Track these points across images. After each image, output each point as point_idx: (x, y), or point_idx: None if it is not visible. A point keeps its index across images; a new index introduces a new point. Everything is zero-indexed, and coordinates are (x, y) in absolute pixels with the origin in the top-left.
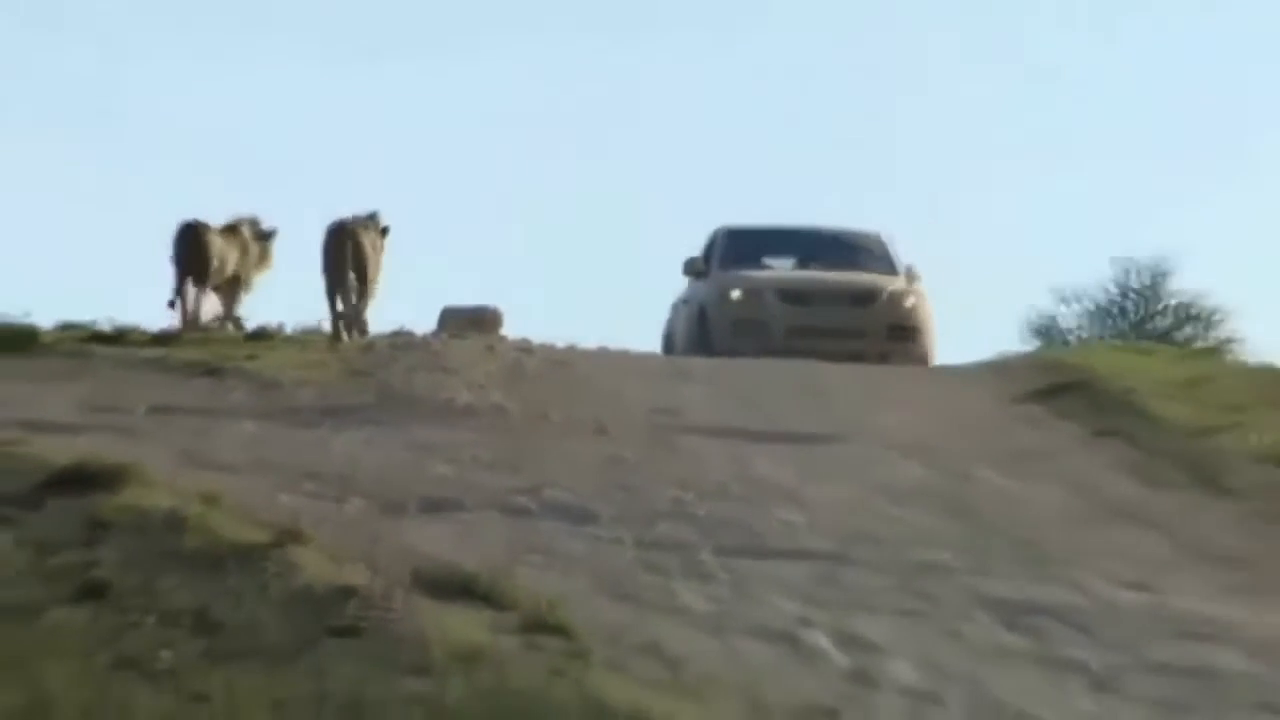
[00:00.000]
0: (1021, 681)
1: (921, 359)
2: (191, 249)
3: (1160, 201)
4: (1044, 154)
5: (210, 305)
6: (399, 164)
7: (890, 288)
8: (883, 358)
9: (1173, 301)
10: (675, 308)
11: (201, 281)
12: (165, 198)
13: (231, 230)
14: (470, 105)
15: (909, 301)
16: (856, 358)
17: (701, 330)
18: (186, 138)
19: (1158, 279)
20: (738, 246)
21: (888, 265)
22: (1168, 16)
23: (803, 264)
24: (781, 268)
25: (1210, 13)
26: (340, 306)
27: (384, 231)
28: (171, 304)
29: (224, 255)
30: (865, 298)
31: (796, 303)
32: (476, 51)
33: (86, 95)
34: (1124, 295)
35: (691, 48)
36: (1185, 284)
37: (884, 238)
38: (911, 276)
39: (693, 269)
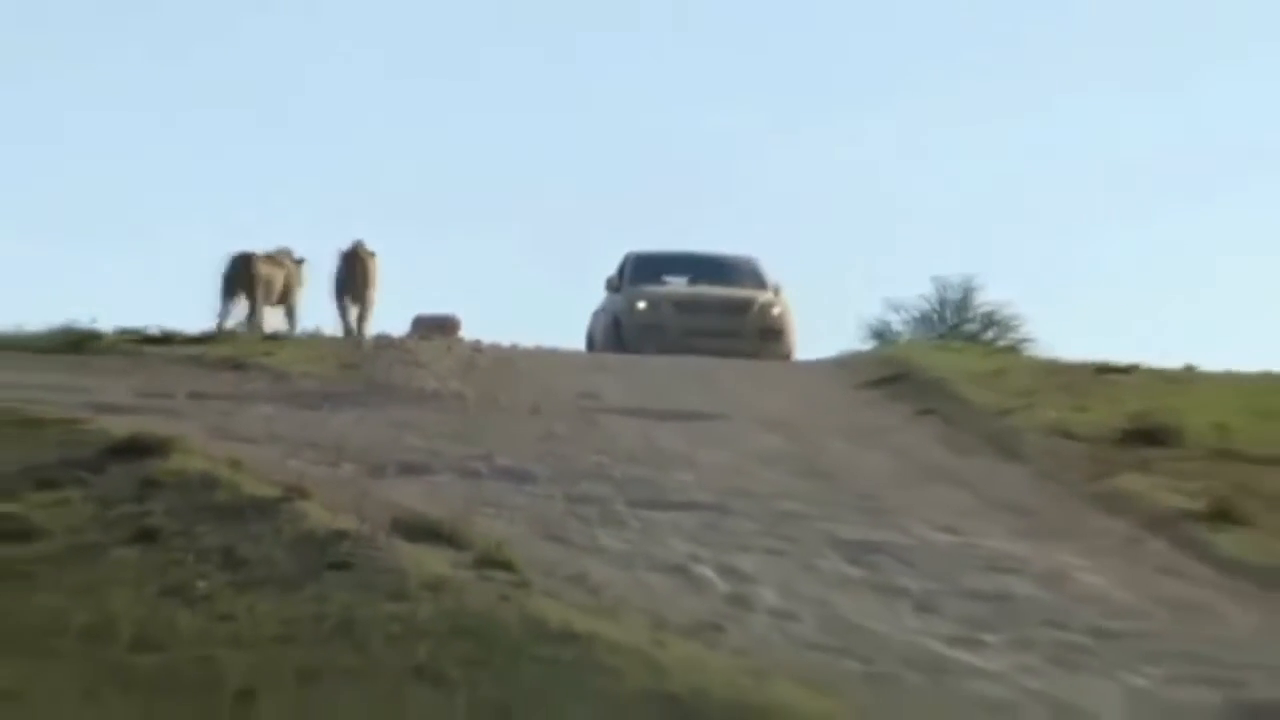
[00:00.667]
0: (861, 604)
1: (785, 355)
2: (246, 276)
3: (967, 227)
4: (880, 183)
5: (235, 315)
6: (384, 185)
7: (761, 299)
8: (755, 354)
9: (980, 310)
10: (595, 315)
11: (254, 301)
12: (168, 222)
13: (274, 259)
14: (440, 130)
15: (776, 310)
16: (735, 354)
17: (616, 333)
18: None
19: (968, 292)
20: (643, 267)
21: (759, 282)
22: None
23: (693, 281)
24: (677, 284)
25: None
26: (349, 318)
27: (371, 255)
28: (220, 317)
29: (271, 279)
30: (741, 307)
31: (688, 312)
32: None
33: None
34: (941, 305)
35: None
36: (990, 296)
37: (756, 260)
38: (778, 290)
39: (610, 285)
